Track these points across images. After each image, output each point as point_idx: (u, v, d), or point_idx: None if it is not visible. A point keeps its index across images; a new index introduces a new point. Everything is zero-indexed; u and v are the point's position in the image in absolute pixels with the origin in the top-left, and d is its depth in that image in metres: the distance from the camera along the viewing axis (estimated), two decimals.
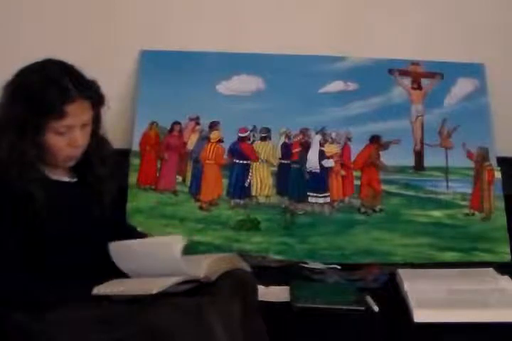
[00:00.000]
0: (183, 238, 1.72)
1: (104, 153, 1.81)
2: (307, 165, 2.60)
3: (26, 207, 1.62)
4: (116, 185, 1.86)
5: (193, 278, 1.68)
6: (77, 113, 1.65)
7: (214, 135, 2.61)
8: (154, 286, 1.60)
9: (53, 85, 1.64)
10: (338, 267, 2.36)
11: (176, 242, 1.68)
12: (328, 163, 2.61)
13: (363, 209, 2.57)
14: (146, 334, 1.53)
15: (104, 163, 1.80)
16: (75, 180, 1.78)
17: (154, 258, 1.70)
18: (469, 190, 2.61)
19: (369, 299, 2.04)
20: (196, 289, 1.70)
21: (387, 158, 2.62)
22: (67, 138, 1.66)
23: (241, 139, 2.61)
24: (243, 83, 2.64)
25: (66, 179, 1.77)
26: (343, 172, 2.61)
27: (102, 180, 1.79)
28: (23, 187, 1.62)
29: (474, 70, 2.70)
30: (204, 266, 1.70)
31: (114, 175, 1.85)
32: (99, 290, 1.64)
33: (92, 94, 1.70)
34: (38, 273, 1.63)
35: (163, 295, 1.60)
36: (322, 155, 2.61)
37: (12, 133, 1.63)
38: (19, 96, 1.64)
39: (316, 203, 2.57)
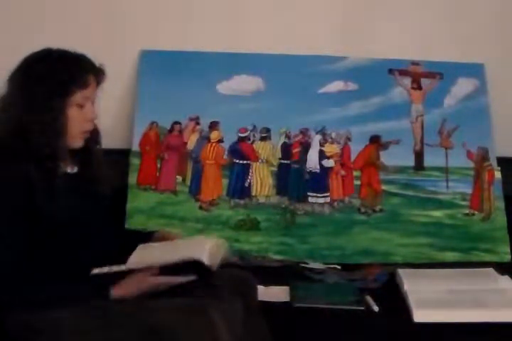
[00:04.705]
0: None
1: (99, 140, 1.83)
2: (307, 165, 2.61)
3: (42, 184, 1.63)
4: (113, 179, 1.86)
5: (197, 259, 1.67)
6: (94, 85, 1.71)
7: (214, 135, 2.61)
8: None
9: (74, 57, 1.70)
10: (338, 267, 2.36)
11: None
12: (328, 163, 2.61)
13: (363, 209, 2.57)
14: (148, 335, 1.53)
15: (100, 153, 1.82)
16: (75, 171, 1.78)
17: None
18: (469, 190, 2.61)
19: (369, 299, 2.04)
20: (196, 290, 1.69)
21: (387, 158, 2.62)
22: (83, 114, 1.70)
23: (241, 139, 2.61)
24: (243, 83, 2.64)
25: (68, 170, 1.77)
26: (343, 172, 2.61)
27: (101, 168, 1.80)
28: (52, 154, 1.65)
29: (474, 70, 2.70)
30: (207, 252, 1.69)
31: (111, 169, 1.86)
32: (101, 270, 1.63)
33: (104, 71, 1.75)
34: (39, 268, 1.63)
35: (164, 297, 1.60)
36: (322, 155, 2.61)
37: (41, 112, 1.64)
38: (41, 75, 1.65)
39: (316, 203, 2.57)
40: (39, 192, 1.62)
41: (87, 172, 1.78)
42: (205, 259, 1.66)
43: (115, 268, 1.63)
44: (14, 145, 1.63)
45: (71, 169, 1.77)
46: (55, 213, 1.64)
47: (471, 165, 2.63)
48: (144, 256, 1.78)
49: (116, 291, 1.62)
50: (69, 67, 1.67)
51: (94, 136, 1.80)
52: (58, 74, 1.65)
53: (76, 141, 1.72)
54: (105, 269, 1.63)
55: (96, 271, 1.63)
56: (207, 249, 1.70)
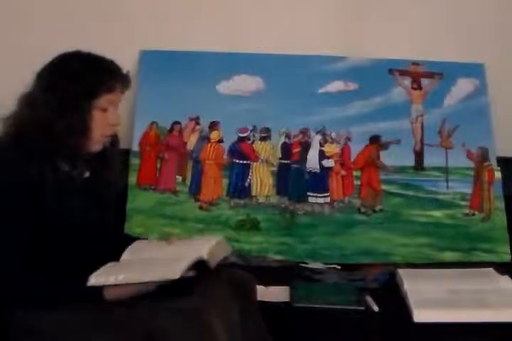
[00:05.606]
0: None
1: (117, 145, 1.84)
2: (307, 165, 2.60)
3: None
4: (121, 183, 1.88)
5: (199, 259, 1.67)
6: (120, 91, 1.72)
7: (214, 135, 2.61)
8: (173, 271, 1.57)
9: (104, 61, 1.72)
10: (338, 267, 2.36)
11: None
12: (328, 163, 2.61)
13: (363, 209, 2.57)
14: (147, 338, 1.53)
15: (117, 157, 1.82)
16: (86, 175, 1.78)
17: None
18: (469, 190, 2.61)
19: (369, 299, 2.04)
20: (195, 291, 1.68)
21: (387, 158, 2.62)
22: (106, 118, 1.71)
23: (241, 139, 2.61)
24: (243, 83, 2.64)
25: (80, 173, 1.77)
26: (343, 172, 2.61)
27: (113, 174, 1.81)
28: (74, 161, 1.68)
29: (474, 70, 2.70)
30: (208, 249, 1.70)
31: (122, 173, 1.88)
32: (98, 280, 1.59)
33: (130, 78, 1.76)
34: (41, 268, 1.62)
35: (164, 297, 1.60)
36: (322, 155, 2.61)
37: (68, 112, 1.65)
38: (73, 75, 1.67)
39: (316, 203, 2.57)
40: (50, 193, 1.62)
41: (98, 177, 1.79)
42: (205, 255, 1.67)
43: (112, 280, 1.59)
44: (36, 143, 1.64)
45: (84, 173, 1.77)
46: (62, 215, 1.64)
47: (471, 165, 2.63)
48: (138, 250, 1.78)
49: (110, 292, 1.61)
50: (99, 70, 1.69)
51: (112, 142, 1.80)
52: (89, 76, 1.67)
53: (96, 145, 1.73)
54: (102, 278, 1.60)
55: (93, 280, 1.59)
56: (209, 246, 1.72)
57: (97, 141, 1.73)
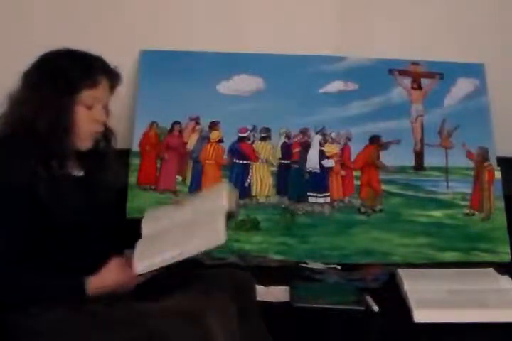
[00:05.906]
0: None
1: (112, 144, 1.83)
2: (307, 165, 2.60)
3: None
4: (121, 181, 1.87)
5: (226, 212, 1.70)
6: (105, 88, 1.71)
7: (214, 135, 2.61)
8: (218, 235, 1.57)
9: (87, 57, 1.72)
10: (338, 267, 2.36)
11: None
12: (328, 163, 2.61)
13: (363, 209, 2.57)
14: (146, 339, 1.53)
15: (112, 155, 1.82)
16: (81, 174, 1.78)
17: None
18: (469, 190, 2.61)
19: (369, 299, 2.04)
20: (194, 291, 1.68)
21: (387, 158, 2.62)
22: (91, 115, 1.70)
23: (241, 139, 2.61)
24: (243, 83, 2.64)
25: (74, 172, 1.76)
26: (343, 172, 2.61)
27: (108, 173, 1.80)
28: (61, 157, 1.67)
29: (474, 70, 2.70)
30: (226, 199, 1.74)
31: (120, 172, 1.87)
32: (144, 265, 1.58)
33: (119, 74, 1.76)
34: (37, 267, 1.62)
35: (162, 298, 1.60)
36: (322, 155, 2.61)
37: (50, 110, 1.65)
38: (53, 73, 1.67)
39: (316, 203, 2.57)
40: (44, 192, 1.62)
41: (93, 176, 1.78)
42: (227, 205, 1.71)
43: (158, 260, 1.59)
44: (24, 142, 1.63)
45: (77, 172, 1.77)
46: (58, 214, 1.64)
47: (471, 165, 2.63)
48: (156, 220, 1.78)
49: (93, 283, 1.61)
50: (79, 66, 1.68)
51: (106, 139, 1.80)
52: (69, 72, 1.66)
53: (84, 143, 1.72)
54: (147, 262, 1.59)
55: (140, 268, 1.59)
56: (225, 196, 1.75)
57: (83, 138, 1.72)
